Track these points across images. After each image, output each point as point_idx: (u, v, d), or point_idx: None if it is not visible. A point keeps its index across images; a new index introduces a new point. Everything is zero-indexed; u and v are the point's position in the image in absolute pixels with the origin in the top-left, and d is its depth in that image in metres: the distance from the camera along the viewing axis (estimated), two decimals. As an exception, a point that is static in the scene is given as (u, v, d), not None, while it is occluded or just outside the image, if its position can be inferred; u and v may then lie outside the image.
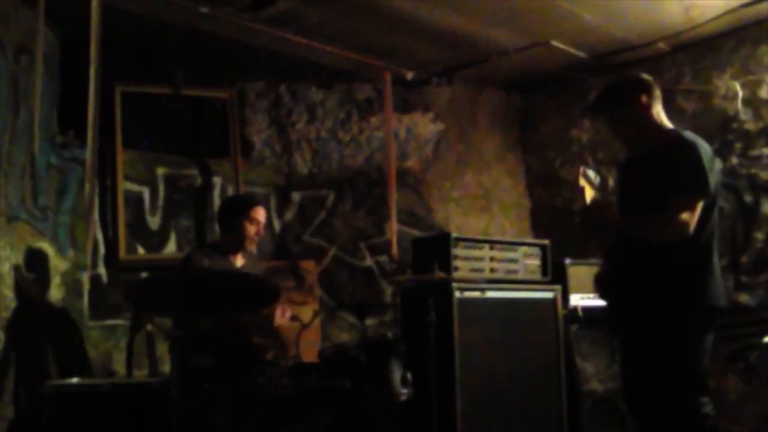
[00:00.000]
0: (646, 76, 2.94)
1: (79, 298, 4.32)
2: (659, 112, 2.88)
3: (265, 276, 3.84)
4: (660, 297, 2.69)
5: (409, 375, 3.40)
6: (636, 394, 2.79)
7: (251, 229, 3.62)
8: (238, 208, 3.71)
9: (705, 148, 2.74)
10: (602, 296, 2.97)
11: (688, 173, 2.66)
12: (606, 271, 2.98)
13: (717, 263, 2.76)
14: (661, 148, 2.79)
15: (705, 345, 2.73)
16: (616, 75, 5.03)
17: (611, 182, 5.29)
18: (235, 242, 3.67)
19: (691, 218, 2.62)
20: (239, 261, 3.72)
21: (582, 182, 2.98)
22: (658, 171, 2.74)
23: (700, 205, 2.65)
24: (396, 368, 3.39)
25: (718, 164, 2.82)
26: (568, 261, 4.52)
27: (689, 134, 2.81)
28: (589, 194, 2.97)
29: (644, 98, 2.85)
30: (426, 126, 5.55)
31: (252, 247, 3.71)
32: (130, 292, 3.01)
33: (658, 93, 2.89)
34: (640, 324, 2.74)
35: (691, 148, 2.70)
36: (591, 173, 3.02)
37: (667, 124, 2.89)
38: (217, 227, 4.88)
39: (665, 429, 2.71)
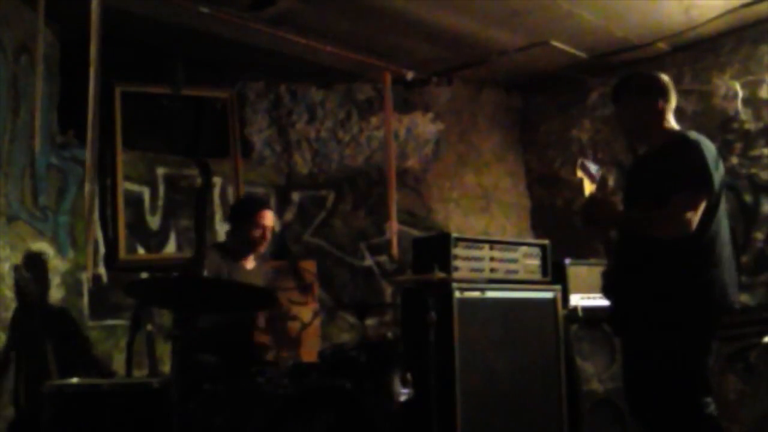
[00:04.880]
0: (666, 78, 2.94)
1: (79, 298, 4.32)
2: (670, 116, 2.89)
3: (267, 281, 3.86)
4: (664, 296, 2.69)
5: (409, 375, 3.41)
6: (639, 395, 2.78)
7: (257, 233, 3.65)
8: (245, 212, 3.76)
9: (709, 147, 2.74)
10: (606, 295, 2.96)
11: (691, 171, 2.66)
12: (609, 269, 2.97)
13: (727, 260, 2.74)
14: (664, 148, 2.79)
15: (710, 344, 2.73)
16: (615, 75, 5.07)
17: (611, 182, 5.31)
18: (244, 245, 3.70)
19: (693, 216, 2.62)
20: (250, 263, 3.75)
21: (580, 174, 2.97)
22: (660, 169, 2.74)
23: (702, 203, 2.65)
24: (396, 368, 3.39)
25: (721, 164, 2.82)
26: (568, 261, 4.52)
27: (694, 134, 2.81)
28: (588, 187, 2.96)
29: (660, 97, 2.85)
30: (426, 126, 5.55)
31: (261, 250, 3.74)
32: (131, 289, 3.02)
33: (674, 97, 2.90)
34: (644, 323, 2.73)
35: (695, 147, 2.70)
36: (591, 165, 3.02)
37: (675, 126, 2.90)
38: (218, 228, 4.94)
39: (669, 430, 2.71)
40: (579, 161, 3.00)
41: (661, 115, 2.86)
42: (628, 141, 3.07)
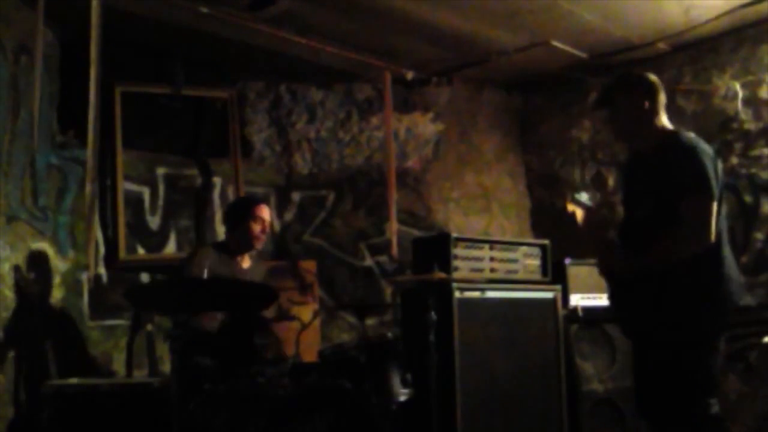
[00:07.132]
0: (654, 77, 2.92)
1: (79, 298, 4.32)
2: (662, 114, 2.87)
3: (265, 279, 3.87)
4: (673, 297, 2.67)
5: (409, 375, 3.40)
6: (646, 394, 2.78)
7: (256, 228, 3.69)
8: (243, 209, 3.79)
9: (706, 150, 2.71)
10: (612, 301, 2.94)
11: (696, 179, 2.63)
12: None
13: (730, 258, 2.73)
14: (660, 149, 2.77)
15: (718, 344, 2.72)
16: (615, 75, 5.08)
17: (611, 182, 5.31)
18: (242, 242, 3.72)
19: (710, 225, 2.60)
20: (246, 262, 3.77)
21: (571, 208, 2.98)
22: (657, 170, 2.73)
23: (713, 209, 2.63)
24: (396, 368, 3.39)
25: (719, 164, 2.80)
26: (568, 261, 4.52)
27: (689, 136, 2.78)
28: (581, 215, 2.97)
29: (646, 97, 2.84)
30: (426, 126, 5.55)
31: (259, 246, 3.76)
32: (131, 294, 3.02)
33: (662, 95, 2.87)
34: (653, 325, 2.72)
35: (691, 152, 2.68)
36: (582, 196, 3.03)
37: (669, 126, 2.88)
38: (218, 228, 4.94)
39: (675, 430, 2.71)
40: (569, 196, 3.01)
41: (649, 114, 2.83)
42: (626, 143, 3.04)
